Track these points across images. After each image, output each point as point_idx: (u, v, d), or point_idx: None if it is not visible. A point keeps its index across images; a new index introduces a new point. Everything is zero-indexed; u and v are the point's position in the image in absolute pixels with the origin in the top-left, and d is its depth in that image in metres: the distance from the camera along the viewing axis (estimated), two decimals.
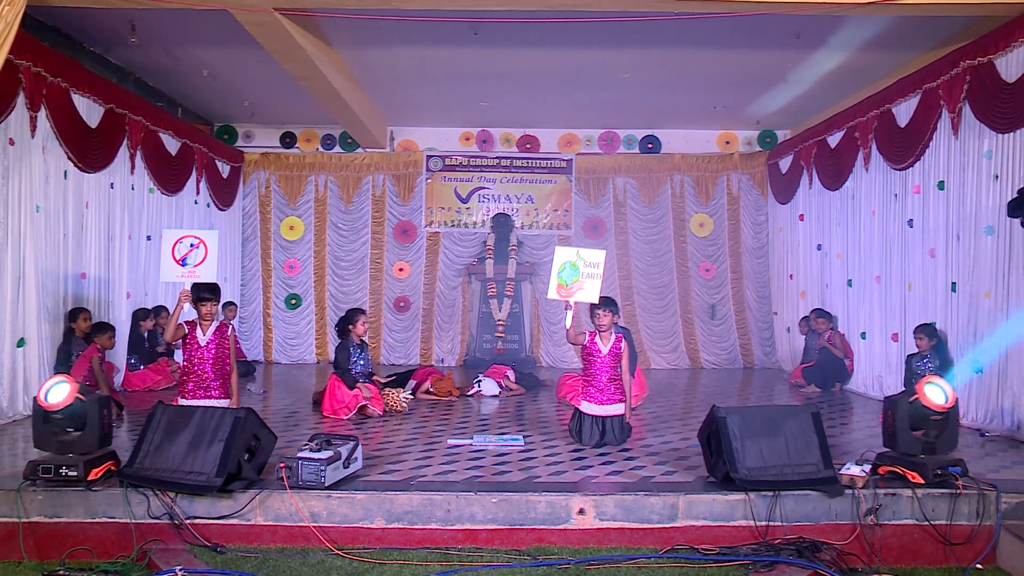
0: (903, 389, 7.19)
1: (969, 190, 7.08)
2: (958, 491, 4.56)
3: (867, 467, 4.78)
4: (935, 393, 4.74)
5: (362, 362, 7.62)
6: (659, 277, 12.24)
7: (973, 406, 6.85)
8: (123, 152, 8.67)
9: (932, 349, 7.33)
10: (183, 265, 5.58)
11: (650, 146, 12.39)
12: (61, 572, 4.11)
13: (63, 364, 7.30)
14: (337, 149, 12.48)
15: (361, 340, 7.68)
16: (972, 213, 7.03)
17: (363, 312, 7.77)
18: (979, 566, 4.42)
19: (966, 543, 4.48)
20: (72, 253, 7.82)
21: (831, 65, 8.86)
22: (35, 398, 4.61)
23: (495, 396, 8.71)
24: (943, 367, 7.21)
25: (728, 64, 8.90)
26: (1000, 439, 6.31)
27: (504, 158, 12.45)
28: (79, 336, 7.52)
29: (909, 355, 7.61)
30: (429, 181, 12.44)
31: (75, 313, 7.58)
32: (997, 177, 6.69)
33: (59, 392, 4.58)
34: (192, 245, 5.61)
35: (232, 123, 12.41)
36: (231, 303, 10.76)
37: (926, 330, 7.39)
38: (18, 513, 4.43)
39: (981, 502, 4.54)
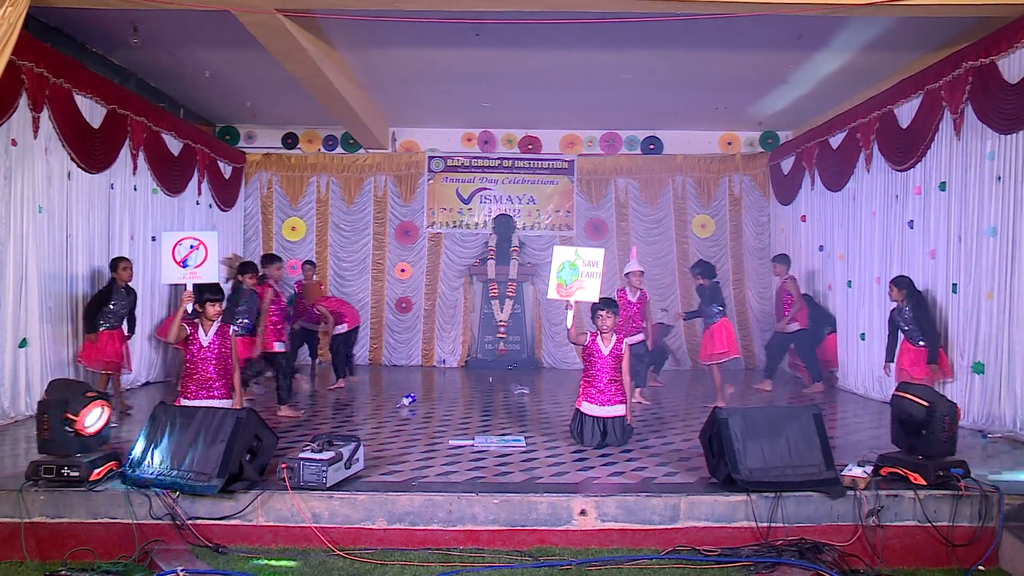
0: (887, 344, 7.51)
1: (971, 191, 7.07)
2: (960, 492, 4.56)
3: (869, 468, 4.78)
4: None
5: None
6: (661, 278, 12.23)
7: (975, 407, 6.84)
8: (125, 153, 8.69)
9: (907, 299, 7.30)
10: (184, 267, 5.58)
11: (652, 147, 12.40)
12: (63, 572, 4.12)
13: (229, 316, 7.19)
14: (339, 150, 12.49)
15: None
16: (974, 214, 7.02)
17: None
18: (981, 568, 4.42)
19: (968, 545, 4.47)
20: (74, 254, 7.83)
21: (833, 66, 8.86)
22: (68, 416, 4.64)
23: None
24: (921, 316, 7.22)
25: (730, 65, 8.90)
26: (1002, 440, 6.30)
27: (506, 159, 12.46)
28: (247, 290, 7.56)
29: (892, 310, 7.57)
30: (431, 182, 12.45)
31: (246, 267, 7.67)
32: (1000, 178, 6.68)
33: (95, 418, 4.75)
34: (192, 247, 5.60)
35: (234, 124, 12.42)
36: (310, 262, 10.66)
37: (897, 282, 7.43)
38: (20, 513, 4.43)
39: (983, 504, 4.53)
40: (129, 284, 7.58)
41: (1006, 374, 6.53)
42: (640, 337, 8.25)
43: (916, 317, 7.26)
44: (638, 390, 8.50)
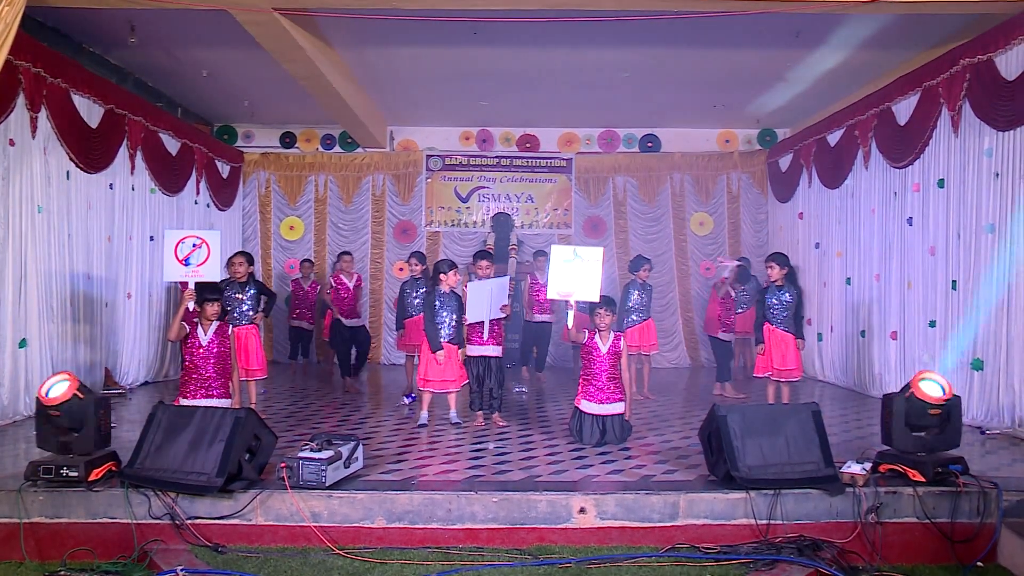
0: (756, 325, 7.16)
1: (969, 188, 7.07)
2: (959, 489, 4.56)
3: (868, 465, 4.78)
4: (930, 387, 4.75)
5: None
6: (659, 276, 12.21)
7: (974, 404, 6.84)
8: (123, 152, 8.68)
9: (785, 279, 7.00)
10: (186, 265, 5.59)
11: (650, 145, 12.40)
12: (62, 572, 4.12)
13: (431, 317, 6.77)
14: (337, 149, 12.49)
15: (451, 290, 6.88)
16: (972, 211, 7.03)
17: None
18: (980, 564, 4.42)
19: (968, 541, 4.48)
20: (74, 254, 7.82)
21: (831, 63, 8.86)
22: (37, 396, 4.63)
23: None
24: (800, 301, 7.07)
25: (728, 63, 8.90)
26: (1001, 437, 6.31)
27: (504, 157, 12.45)
28: (445, 290, 6.85)
29: (762, 289, 7.29)
30: (429, 181, 12.45)
31: (445, 266, 6.94)
32: (998, 175, 6.69)
33: (59, 388, 4.60)
34: (195, 245, 5.62)
35: (232, 123, 12.41)
36: (347, 253, 9.98)
37: (778, 259, 7.08)
38: (19, 514, 4.43)
39: (982, 500, 4.53)
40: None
41: (1004, 371, 6.54)
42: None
43: (798, 301, 7.00)
44: (728, 384, 8.83)
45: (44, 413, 4.63)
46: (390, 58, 8.83)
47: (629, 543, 4.49)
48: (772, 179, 12.02)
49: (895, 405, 4.82)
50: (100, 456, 4.70)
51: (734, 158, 12.32)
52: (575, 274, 5.97)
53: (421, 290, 8.06)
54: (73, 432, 4.64)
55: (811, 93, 10.05)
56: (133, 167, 8.93)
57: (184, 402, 5.44)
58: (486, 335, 6.80)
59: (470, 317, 6.71)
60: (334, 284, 9.33)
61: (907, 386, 4.85)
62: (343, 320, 9.20)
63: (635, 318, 8.62)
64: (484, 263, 7.05)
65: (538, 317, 9.85)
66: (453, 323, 6.79)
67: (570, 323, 6.09)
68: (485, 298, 6.67)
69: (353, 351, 9.29)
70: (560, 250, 6.12)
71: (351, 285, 9.33)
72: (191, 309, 5.52)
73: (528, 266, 12.05)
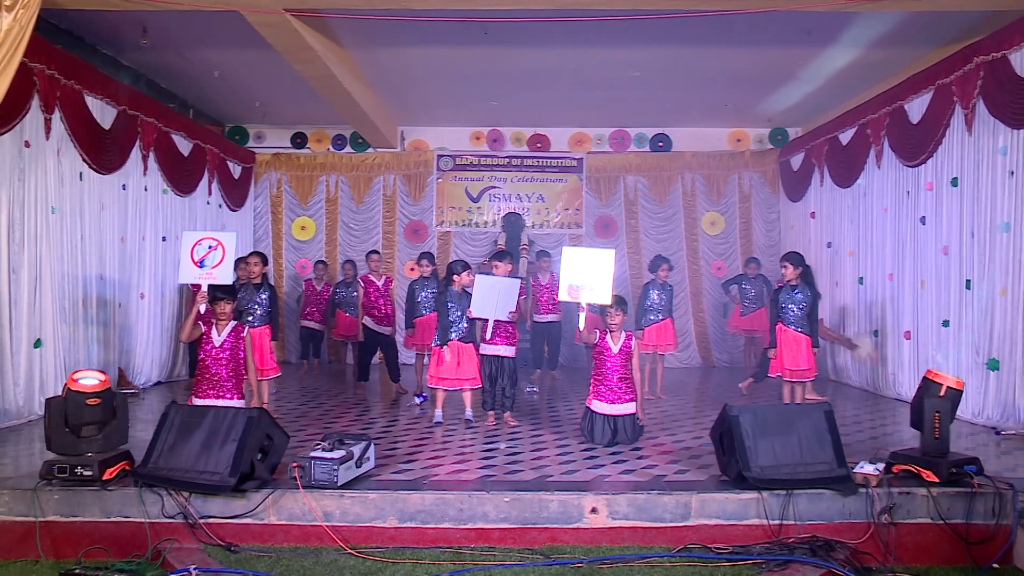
0: (771, 327, 7.10)
1: (984, 187, 7.02)
2: (974, 490, 4.52)
3: (881, 465, 4.75)
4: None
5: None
6: (671, 276, 12.14)
7: (989, 404, 6.80)
8: (136, 153, 8.73)
9: (800, 279, 6.92)
10: (201, 267, 5.62)
11: (661, 144, 12.36)
12: (77, 571, 4.14)
13: (443, 315, 6.85)
14: (348, 149, 12.52)
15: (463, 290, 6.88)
16: (987, 210, 6.97)
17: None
18: (996, 566, 4.38)
19: (983, 543, 4.44)
20: (87, 254, 7.87)
21: (842, 62, 8.81)
22: (66, 389, 4.68)
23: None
24: (815, 302, 6.98)
25: (738, 62, 8.86)
26: (1016, 437, 6.25)
27: (515, 157, 12.46)
28: (457, 290, 6.86)
29: (775, 289, 7.28)
30: (440, 181, 12.46)
31: (459, 266, 6.97)
32: (1012, 173, 6.63)
33: (92, 378, 4.74)
34: (210, 247, 5.64)
35: (243, 124, 12.47)
36: (374, 251, 9.71)
37: (792, 258, 7.01)
38: (35, 512, 4.47)
39: (997, 501, 4.50)
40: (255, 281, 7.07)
41: (1020, 370, 6.49)
42: None
43: (812, 302, 6.91)
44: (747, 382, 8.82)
45: (78, 403, 4.66)
46: (401, 58, 8.84)
47: (641, 543, 4.48)
48: (784, 178, 11.97)
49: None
50: (114, 455, 4.74)
51: (745, 157, 12.27)
52: (587, 276, 5.96)
53: (431, 289, 8.09)
54: (102, 424, 4.75)
55: (823, 92, 10.00)
56: (146, 168, 8.98)
57: (197, 402, 5.46)
58: (489, 334, 6.76)
59: (473, 311, 6.67)
60: (363, 286, 8.98)
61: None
62: (375, 327, 8.84)
63: (652, 317, 8.62)
64: (501, 263, 7.02)
65: (546, 317, 9.84)
66: (466, 323, 6.81)
67: (582, 325, 6.08)
68: (491, 294, 6.63)
69: (379, 355, 9.24)
70: (572, 252, 6.11)
71: (380, 285, 9.00)
72: (203, 311, 5.54)
73: (533, 267, 12.07)
